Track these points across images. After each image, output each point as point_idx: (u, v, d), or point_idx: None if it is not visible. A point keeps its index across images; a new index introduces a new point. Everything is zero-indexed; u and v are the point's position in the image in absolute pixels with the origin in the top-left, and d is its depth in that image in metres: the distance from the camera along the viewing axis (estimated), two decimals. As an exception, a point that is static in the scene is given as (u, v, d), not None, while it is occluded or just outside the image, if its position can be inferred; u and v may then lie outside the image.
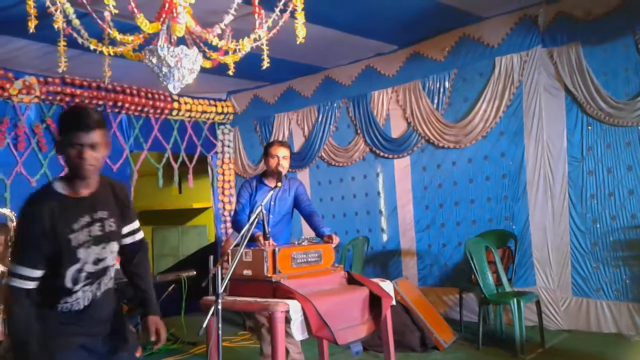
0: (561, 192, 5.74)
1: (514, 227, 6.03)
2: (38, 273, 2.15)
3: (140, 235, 2.52)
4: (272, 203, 4.18)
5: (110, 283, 2.40)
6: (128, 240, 2.46)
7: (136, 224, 2.50)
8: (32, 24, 4.00)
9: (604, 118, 5.46)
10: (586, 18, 5.51)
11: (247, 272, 3.41)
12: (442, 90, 6.59)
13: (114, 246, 2.34)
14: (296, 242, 3.75)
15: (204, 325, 2.75)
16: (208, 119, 8.66)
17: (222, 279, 2.79)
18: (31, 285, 2.14)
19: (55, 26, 4.00)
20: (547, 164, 5.83)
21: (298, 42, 4.21)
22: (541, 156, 5.86)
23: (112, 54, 4.29)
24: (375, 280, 3.82)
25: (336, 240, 3.87)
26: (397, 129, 7.06)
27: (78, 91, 7.04)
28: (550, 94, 5.82)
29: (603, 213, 5.50)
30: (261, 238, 3.61)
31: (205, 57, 4.48)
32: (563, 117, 5.74)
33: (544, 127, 5.85)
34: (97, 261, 2.27)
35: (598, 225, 5.54)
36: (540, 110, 5.86)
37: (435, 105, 6.62)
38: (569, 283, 5.68)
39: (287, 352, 3.83)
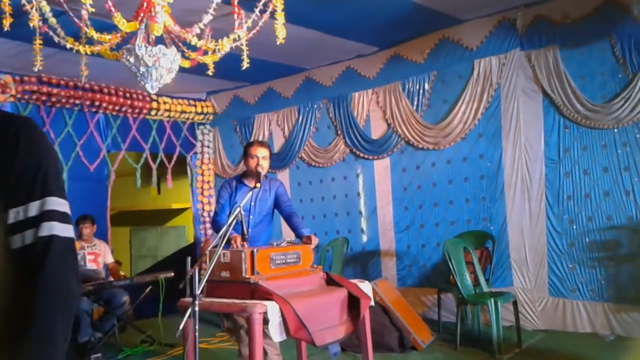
0: (538, 193, 5.81)
1: (491, 227, 6.08)
2: None
3: (46, 231, 1.21)
4: (252, 203, 4.17)
5: None
6: (22, 239, 1.20)
7: (38, 206, 1.22)
8: (7, 22, 3.93)
9: (580, 120, 5.53)
10: (564, 21, 5.58)
11: (225, 273, 3.39)
12: (421, 92, 6.62)
13: None
14: (275, 244, 3.74)
15: (181, 327, 2.73)
16: (187, 119, 8.61)
17: (200, 280, 2.77)
18: None
19: (31, 24, 3.95)
20: (524, 165, 5.89)
21: (278, 43, 4.20)
22: (519, 158, 5.92)
23: (89, 52, 4.24)
24: (354, 281, 3.82)
25: (315, 241, 3.87)
26: (377, 130, 7.08)
27: (55, 90, 6.95)
28: (528, 96, 5.88)
29: (579, 214, 5.58)
30: (237, 240, 3.59)
31: (184, 56, 4.46)
32: (540, 119, 5.80)
33: (521, 129, 5.91)
34: None
35: (574, 226, 5.61)
36: (518, 113, 5.92)
37: (415, 107, 6.65)
38: (546, 283, 5.75)
39: (266, 353, 3.81)
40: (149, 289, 5.80)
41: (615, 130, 5.36)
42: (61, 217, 1.25)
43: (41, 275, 1.19)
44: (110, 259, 6.54)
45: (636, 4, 5.11)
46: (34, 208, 1.22)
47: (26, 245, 1.20)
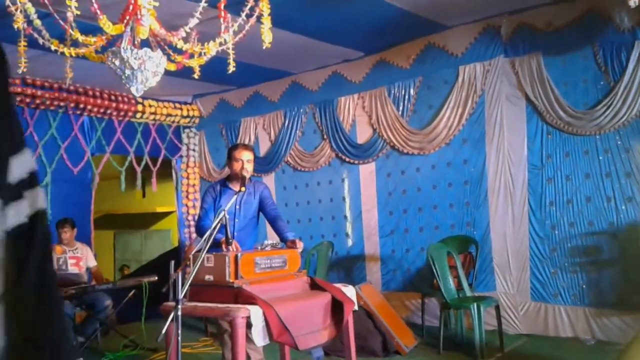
0: (521, 198, 5.86)
1: (475, 232, 6.12)
2: None
3: (40, 202, 0.86)
4: (237, 207, 4.16)
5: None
6: (17, 213, 0.84)
7: (25, 163, 0.86)
8: (-10, 23, 3.92)
9: (563, 127, 5.59)
10: (547, 29, 5.64)
11: (208, 277, 3.38)
12: (407, 97, 6.66)
13: None
14: (259, 247, 3.74)
15: (163, 331, 2.72)
16: (173, 122, 8.58)
17: (183, 284, 2.76)
18: None
19: (16, 26, 3.92)
20: (507, 171, 5.94)
21: (264, 47, 4.21)
22: (502, 163, 5.97)
23: (74, 55, 4.22)
24: (338, 285, 3.83)
25: (300, 245, 3.87)
26: (362, 135, 7.10)
27: (39, 92, 6.90)
28: (512, 102, 5.93)
29: (561, 220, 5.63)
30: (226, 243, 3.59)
31: (169, 60, 4.45)
32: (524, 126, 5.86)
33: (505, 135, 5.96)
34: None
35: (556, 232, 5.66)
36: (501, 119, 5.98)
37: (400, 112, 6.69)
38: (528, 288, 5.79)
39: (249, 357, 3.81)
40: (132, 293, 5.77)
41: (597, 137, 5.42)
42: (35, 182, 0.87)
43: (46, 275, 0.89)
44: (93, 263, 6.49)
45: (618, 12, 5.19)
46: (26, 163, 0.82)
47: (21, 224, 0.83)
